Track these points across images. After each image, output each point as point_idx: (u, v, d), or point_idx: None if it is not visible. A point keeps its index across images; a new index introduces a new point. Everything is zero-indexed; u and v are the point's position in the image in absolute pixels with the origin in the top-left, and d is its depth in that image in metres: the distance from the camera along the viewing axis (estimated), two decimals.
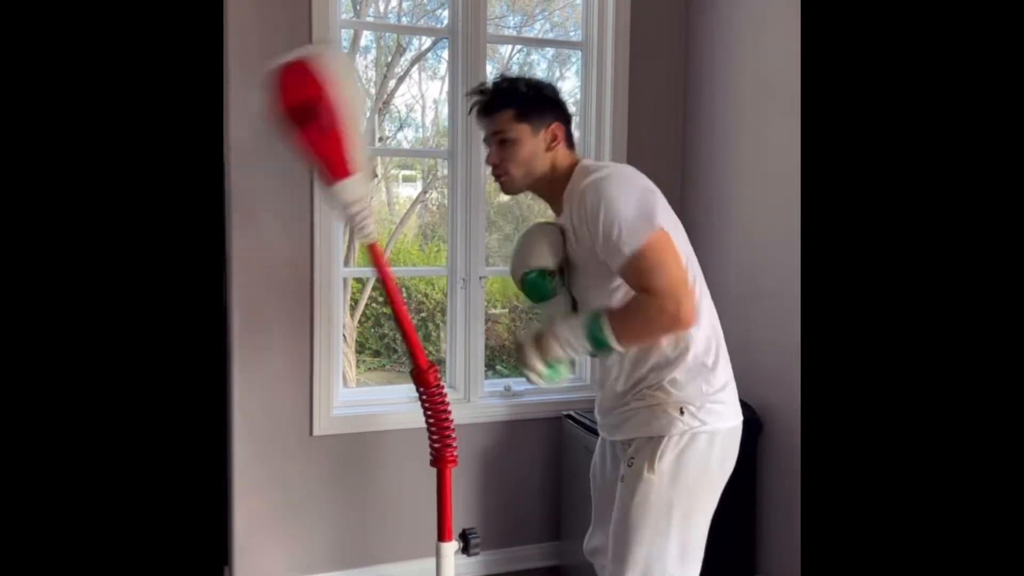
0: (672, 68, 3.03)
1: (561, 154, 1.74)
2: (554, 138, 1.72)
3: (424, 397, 1.68)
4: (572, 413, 2.80)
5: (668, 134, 3.03)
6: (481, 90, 1.75)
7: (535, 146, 1.70)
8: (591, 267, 1.67)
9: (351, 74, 1.53)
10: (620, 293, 1.65)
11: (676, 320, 1.56)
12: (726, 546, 2.64)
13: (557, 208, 1.75)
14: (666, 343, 1.65)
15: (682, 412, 1.64)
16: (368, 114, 1.58)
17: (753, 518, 2.70)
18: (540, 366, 1.64)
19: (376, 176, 4.65)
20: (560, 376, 1.69)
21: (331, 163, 1.49)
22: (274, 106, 1.47)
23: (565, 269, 1.75)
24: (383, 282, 1.65)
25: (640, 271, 1.56)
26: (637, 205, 1.59)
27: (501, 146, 1.70)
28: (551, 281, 1.72)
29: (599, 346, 1.60)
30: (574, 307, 1.77)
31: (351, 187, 1.51)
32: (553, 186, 1.73)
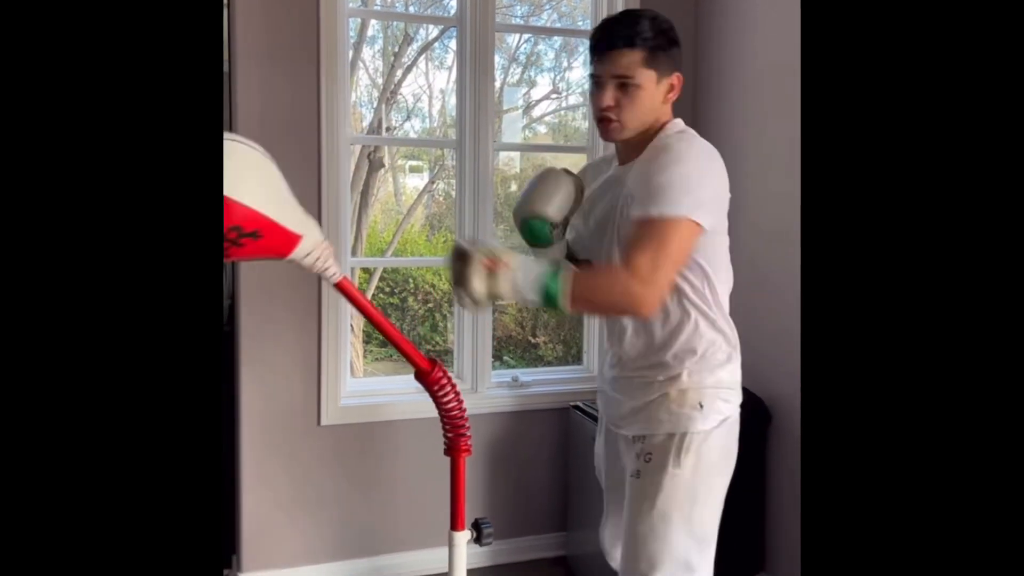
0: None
1: (669, 108, 1.61)
2: (671, 89, 1.59)
3: (436, 395, 1.66)
4: (580, 404, 2.80)
5: None
6: (608, 25, 1.58)
7: (655, 95, 1.56)
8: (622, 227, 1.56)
9: (239, 156, 1.37)
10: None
11: (637, 305, 1.45)
12: (735, 537, 2.64)
13: (628, 157, 1.63)
14: (687, 335, 1.58)
15: (701, 406, 1.57)
16: (273, 171, 1.45)
17: (763, 509, 2.70)
18: (481, 292, 1.40)
19: (384, 166, 4.65)
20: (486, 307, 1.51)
21: (276, 248, 1.42)
22: None
23: (571, 221, 1.68)
24: (364, 313, 1.55)
25: (643, 236, 1.44)
26: (709, 187, 1.50)
27: (621, 90, 1.54)
28: (551, 230, 1.64)
29: (548, 300, 1.42)
30: (572, 260, 1.70)
31: (305, 247, 1.45)
32: (642, 137, 1.60)
